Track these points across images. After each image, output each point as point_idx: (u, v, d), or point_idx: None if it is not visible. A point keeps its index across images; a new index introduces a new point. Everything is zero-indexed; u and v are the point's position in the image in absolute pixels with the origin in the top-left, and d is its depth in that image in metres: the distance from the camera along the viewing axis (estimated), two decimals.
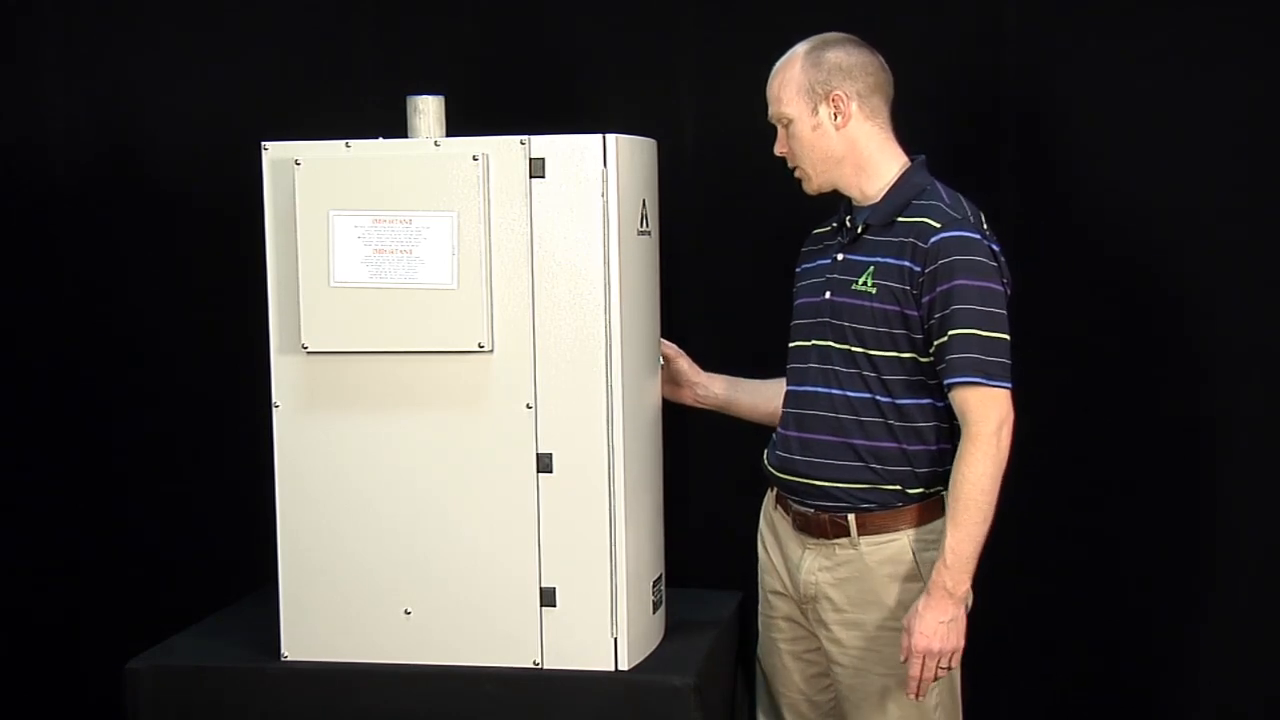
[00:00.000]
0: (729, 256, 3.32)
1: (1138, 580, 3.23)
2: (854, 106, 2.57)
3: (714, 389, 2.87)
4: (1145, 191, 3.15)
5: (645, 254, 2.63)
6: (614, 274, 2.48)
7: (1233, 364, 3.15)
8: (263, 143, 2.57)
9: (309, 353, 2.57)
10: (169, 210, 3.58)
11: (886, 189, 2.60)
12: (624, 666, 2.55)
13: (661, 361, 2.76)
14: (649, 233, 2.64)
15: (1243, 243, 3.12)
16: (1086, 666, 3.28)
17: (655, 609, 2.67)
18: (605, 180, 2.47)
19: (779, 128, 2.64)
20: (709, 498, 3.37)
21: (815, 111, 2.58)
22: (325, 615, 2.62)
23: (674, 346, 2.83)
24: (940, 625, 2.47)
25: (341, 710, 2.59)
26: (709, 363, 2.88)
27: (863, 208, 2.63)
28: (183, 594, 3.43)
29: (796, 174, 2.66)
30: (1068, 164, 3.21)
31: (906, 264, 2.51)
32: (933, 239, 2.49)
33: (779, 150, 2.66)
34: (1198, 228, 3.13)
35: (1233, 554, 3.19)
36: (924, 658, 2.47)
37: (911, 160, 2.63)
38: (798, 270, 2.77)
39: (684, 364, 2.85)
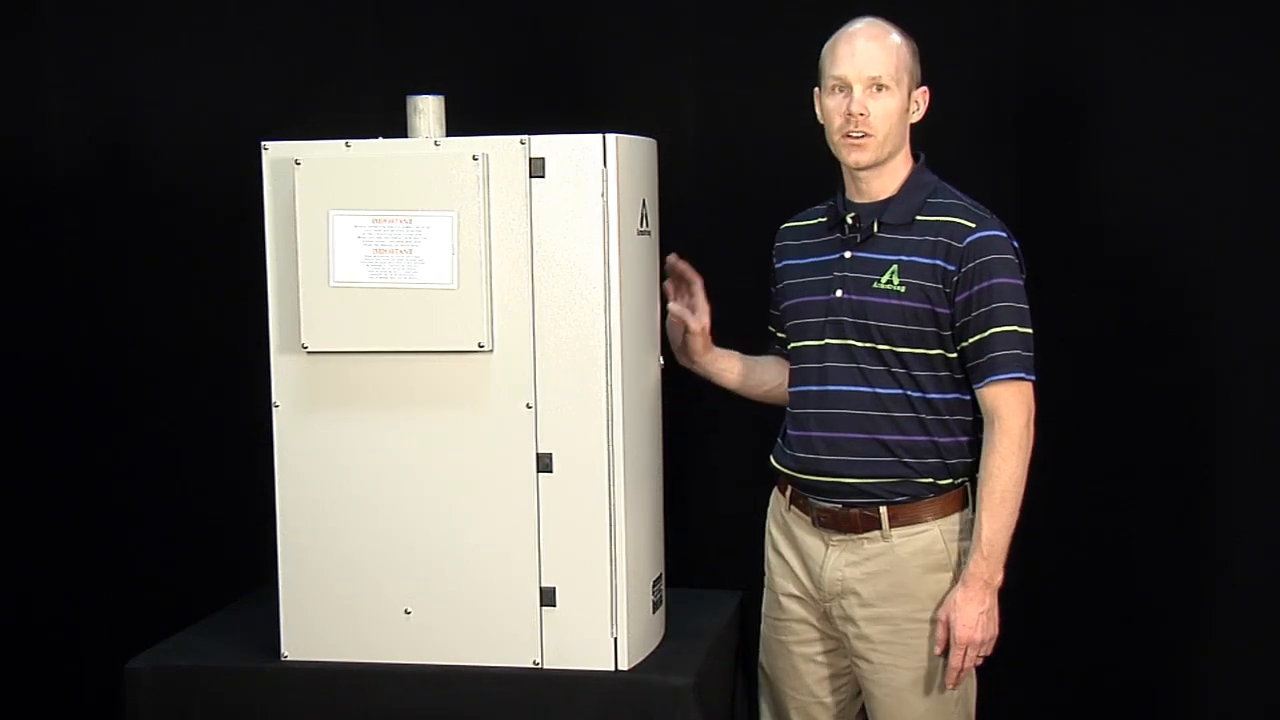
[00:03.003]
0: (729, 256, 3.31)
1: (1139, 578, 3.23)
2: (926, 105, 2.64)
3: (721, 366, 2.83)
4: (1146, 190, 3.15)
5: (645, 254, 2.62)
6: (614, 274, 2.48)
7: (1235, 362, 3.15)
8: (263, 143, 2.57)
9: (309, 352, 2.57)
10: (169, 210, 3.58)
11: (898, 187, 2.62)
12: (624, 666, 2.55)
13: (682, 323, 2.74)
14: (649, 232, 2.64)
15: (1245, 241, 3.11)
16: (1089, 663, 3.28)
17: (655, 609, 2.67)
18: (605, 180, 2.47)
19: (858, 87, 2.54)
20: (709, 497, 3.37)
21: (909, 95, 2.60)
22: (325, 615, 2.62)
23: (703, 321, 2.77)
24: (980, 616, 2.54)
25: (341, 710, 2.59)
26: None
27: (866, 204, 2.63)
28: (183, 594, 3.43)
29: (862, 143, 2.57)
30: (1068, 163, 3.20)
31: (939, 263, 2.55)
32: (969, 238, 2.54)
33: (860, 107, 2.55)
34: (1200, 226, 3.13)
35: (1236, 553, 3.18)
36: (966, 648, 2.54)
37: (914, 156, 2.66)
38: (781, 266, 2.76)
39: (699, 343, 2.78)
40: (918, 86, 2.62)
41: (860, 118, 2.55)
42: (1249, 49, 3.08)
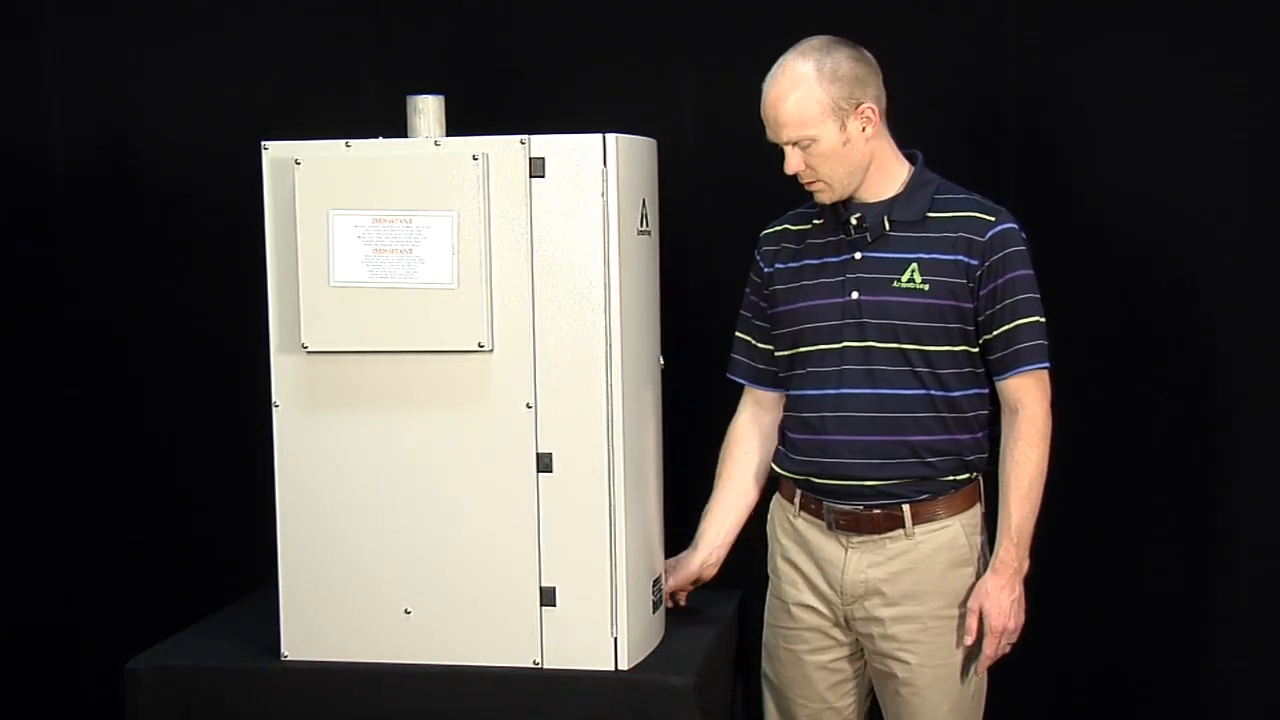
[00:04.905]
0: (729, 256, 3.31)
1: (1139, 577, 3.23)
2: (879, 114, 2.57)
3: (716, 555, 2.82)
4: (1146, 192, 3.16)
5: (645, 254, 2.62)
6: (614, 274, 2.48)
7: (1234, 367, 3.15)
8: (263, 143, 2.57)
9: (309, 352, 2.57)
10: (169, 210, 3.58)
11: (902, 185, 2.61)
12: (624, 666, 2.55)
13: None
14: (649, 232, 2.64)
15: (1244, 243, 3.12)
16: (1090, 660, 3.28)
17: (655, 609, 2.67)
18: (605, 180, 2.47)
19: (789, 148, 2.56)
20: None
21: (844, 127, 2.53)
22: (325, 615, 2.62)
23: (710, 560, 2.80)
24: (1013, 603, 2.58)
25: (341, 710, 2.59)
26: (709, 362, 2.88)
27: (870, 204, 2.61)
28: (183, 594, 3.43)
29: (814, 187, 2.60)
30: (1068, 165, 3.21)
31: (961, 258, 2.55)
32: (990, 233, 2.56)
33: (793, 169, 2.57)
34: (1199, 228, 3.14)
35: (1237, 551, 3.19)
36: (1000, 636, 2.58)
37: (909, 155, 2.65)
38: (772, 270, 2.73)
39: (716, 559, 2.81)
40: (857, 107, 2.53)
41: (799, 174, 2.58)
42: (1247, 50, 3.08)
